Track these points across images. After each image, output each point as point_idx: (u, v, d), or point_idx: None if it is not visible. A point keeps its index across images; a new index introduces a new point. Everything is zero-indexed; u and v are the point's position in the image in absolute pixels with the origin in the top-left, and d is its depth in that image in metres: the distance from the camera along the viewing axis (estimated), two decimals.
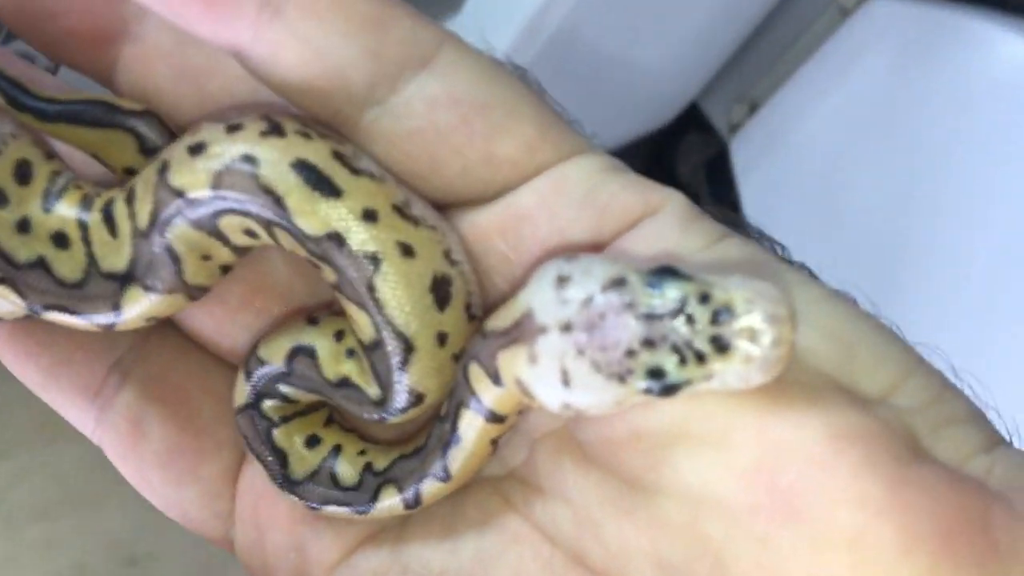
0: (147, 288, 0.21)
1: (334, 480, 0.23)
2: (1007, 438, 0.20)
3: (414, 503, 0.22)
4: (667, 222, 0.20)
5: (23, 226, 0.21)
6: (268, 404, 0.23)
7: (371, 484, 0.22)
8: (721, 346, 0.18)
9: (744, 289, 0.18)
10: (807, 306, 0.19)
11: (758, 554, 0.18)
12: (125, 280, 0.21)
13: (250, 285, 0.23)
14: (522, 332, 0.19)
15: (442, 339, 0.20)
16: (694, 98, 0.82)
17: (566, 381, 0.19)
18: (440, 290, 0.20)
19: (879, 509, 0.17)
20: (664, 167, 0.92)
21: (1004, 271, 0.63)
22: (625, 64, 0.73)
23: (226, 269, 0.21)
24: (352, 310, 0.20)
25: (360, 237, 0.19)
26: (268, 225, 0.20)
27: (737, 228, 0.21)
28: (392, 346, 0.20)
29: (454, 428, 0.21)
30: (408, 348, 0.20)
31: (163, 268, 0.20)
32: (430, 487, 0.22)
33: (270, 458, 0.23)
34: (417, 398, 0.21)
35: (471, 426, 0.21)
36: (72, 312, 0.21)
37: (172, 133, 0.21)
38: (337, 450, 0.23)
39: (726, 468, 0.18)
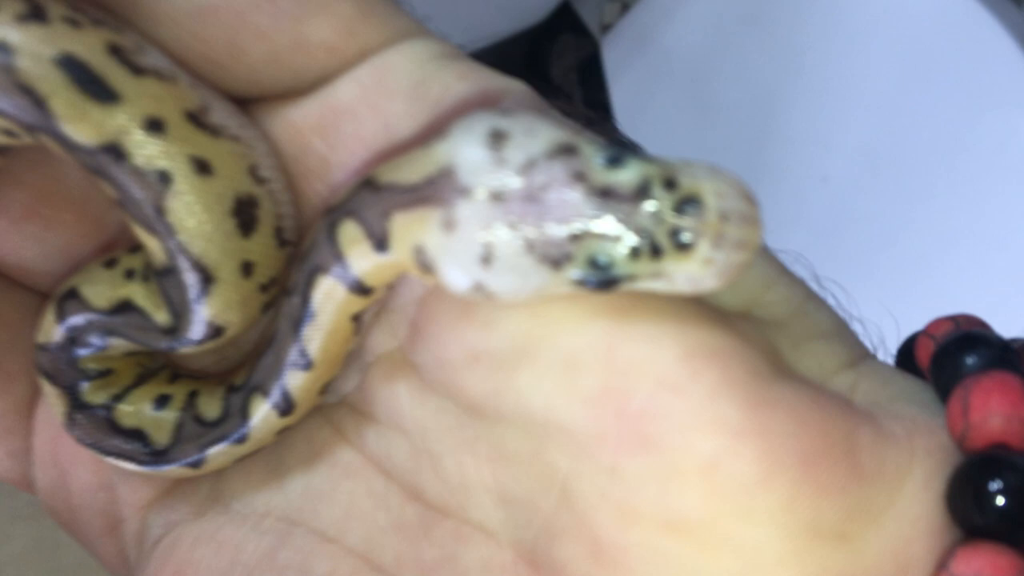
0: None
1: (200, 423, 0.20)
2: (872, 351, 0.19)
3: (286, 405, 0.19)
4: None
5: None
6: (95, 385, 0.20)
7: (237, 405, 0.19)
8: (681, 242, 0.15)
9: (713, 180, 0.15)
10: None
11: (606, 486, 0.16)
12: None
13: (35, 191, 0.20)
14: (435, 191, 0.16)
15: (247, 269, 0.18)
16: None
17: (487, 258, 0.16)
18: (244, 213, 0.17)
19: (737, 433, 0.16)
20: (538, 69, 0.91)
21: (863, 172, 0.66)
22: None
23: None
24: (140, 232, 0.18)
25: (144, 151, 0.16)
26: (30, 128, 0.17)
27: (589, 123, 0.19)
28: (188, 276, 0.17)
29: (305, 301, 0.18)
30: (207, 278, 0.17)
31: None
32: (294, 380, 0.19)
33: (127, 446, 0.20)
34: (216, 331, 0.18)
35: (329, 297, 0.18)
36: None
37: None
38: (193, 395, 0.20)
39: (572, 392, 0.17)
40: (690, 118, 0.74)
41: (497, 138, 0.16)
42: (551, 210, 0.15)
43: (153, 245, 0.17)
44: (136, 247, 0.20)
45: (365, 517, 0.19)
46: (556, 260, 0.15)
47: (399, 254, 0.17)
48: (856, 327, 0.20)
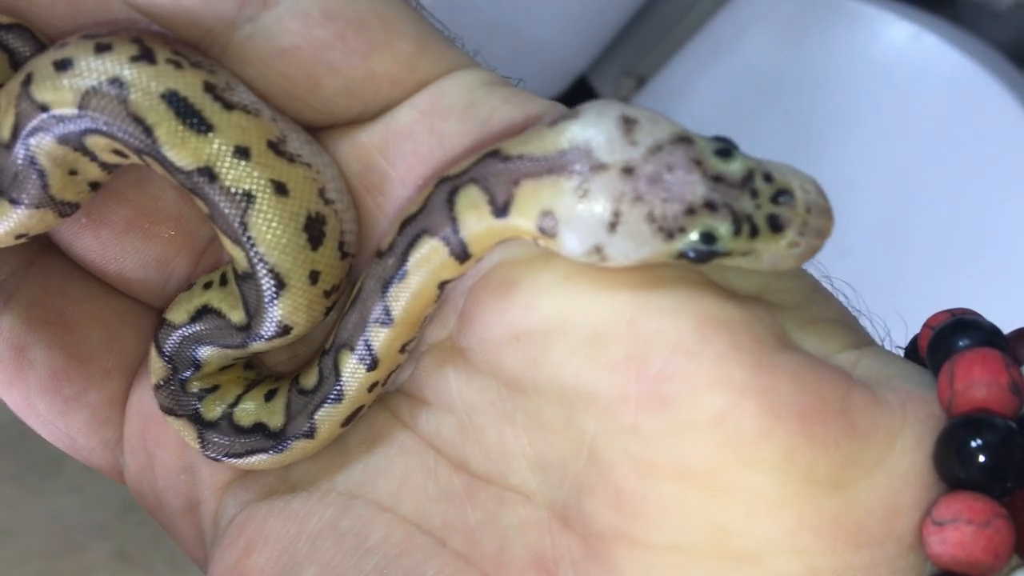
0: (13, 202, 0.20)
1: (303, 393, 0.22)
2: (879, 342, 0.21)
3: (371, 360, 0.20)
4: None
5: None
6: (209, 402, 0.22)
7: (329, 366, 0.21)
8: (776, 226, 0.18)
9: (799, 177, 0.18)
10: None
11: (628, 443, 0.18)
12: None
13: (136, 207, 0.22)
14: (567, 164, 0.18)
15: (314, 277, 0.20)
16: (583, 72, 0.82)
17: (613, 224, 0.18)
18: (314, 229, 0.20)
19: (742, 391, 0.18)
20: None
21: (885, 244, 0.65)
22: (513, 34, 0.73)
23: (95, 186, 0.20)
24: (226, 242, 0.20)
25: (233, 174, 0.19)
26: (137, 151, 0.19)
27: None
28: (264, 281, 0.20)
29: (403, 261, 0.20)
30: (280, 284, 0.20)
31: (27, 181, 0.19)
32: (376, 334, 0.20)
33: (253, 441, 0.22)
34: (284, 329, 0.21)
35: (427, 260, 0.19)
36: None
37: (45, 48, 0.20)
38: (295, 380, 0.22)
39: (598, 361, 0.19)
40: None
41: (628, 122, 0.18)
42: (672, 188, 0.18)
43: (237, 254, 0.20)
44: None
45: (417, 488, 0.21)
46: (671, 232, 0.18)
47: (521, 218, 0.19)
48: (864, 323, 0.21)
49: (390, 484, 0.22)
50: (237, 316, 0.21)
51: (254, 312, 0.20)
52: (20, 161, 0.19)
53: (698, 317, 0.18)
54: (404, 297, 0.20)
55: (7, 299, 0.23)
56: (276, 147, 0.19)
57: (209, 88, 0.19)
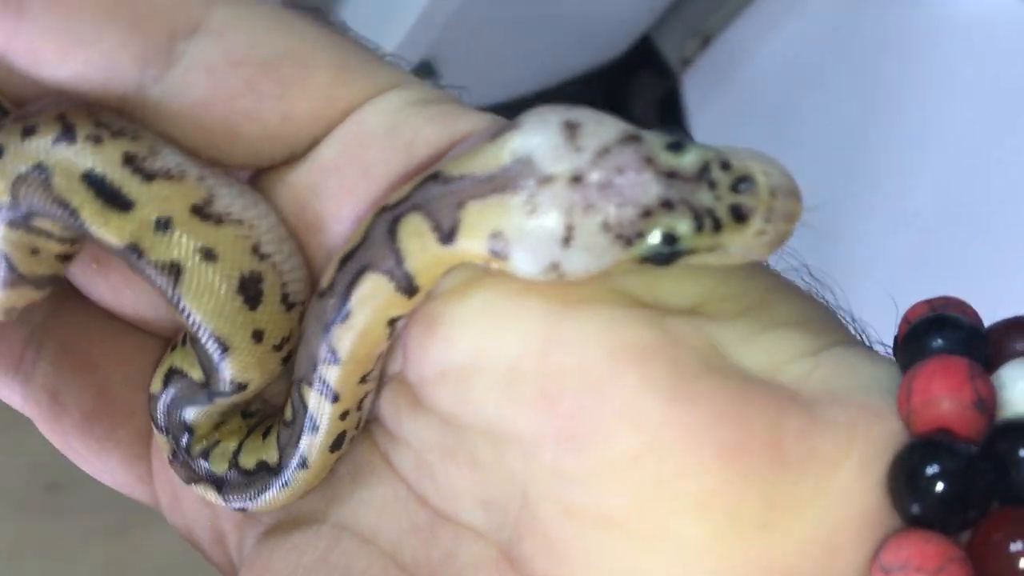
0: None
1: (286, 425, 0.21)
2: (862, 339, 0.20)
3: (332, 395, 0.20)
4: None
5: None
6: (216, 456, 0.22)
7: (297, 398, 0.21)
8: (739, 215, 0.17)
9: (760, 161, 0.17)
10: None
11: (551, 485, 0.18)
12: None
13: None
14: (511, 179, 0.17)
15: (258, 336, 0.20)
16: (646, 31, 0.81)
17: (567, 239, 0.17)
18: (249, 289, 0.19)
19: (656, 428, 0.17)
20: (616, 107, 0.91)
21: (954, 207, 0.64)
22: None
23: (66, 257, 0.21)
24: (172, 309, 0.20)
25: (157, 248, 0.19)
26: (75, 231, 0.19)
27: None
28: (209, 345, 0.20)
29: (344, 300, 0.19)
30: (224, 347, 0.19)
31: None
32: (328, 371, 0.19)
33: (262, 481, 0.22)
34: (240, 386, 0.20)
35: (372, 296, 0.19)
36: None
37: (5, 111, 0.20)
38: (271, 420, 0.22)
39: (515, 398, 0.18)
40: (772, 153, 0.73)
41: (571, 127, 0.17)
42: (624, 191, 0.17)
43: (182, 320, 0.20)
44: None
45: (393, 520, 0.21)
46: (628, 238, 0.17)
47: (469, 242, 0.18)
48: (848, 321, 0.20)
49: (371, 516, 0.21)
50: (197, 375, 0.21)
51: (209, 372, 0.20)
52: None
53: (609, 347, 0.17)
54: (349, 338, 0.19)
55: (39, 347, 0.23)
56: (201, 210, 0.19)
57: (128, 160, 0.19)
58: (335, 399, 0.20)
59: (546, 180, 0.17)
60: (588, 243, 0.17)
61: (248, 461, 0.22)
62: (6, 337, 0.23)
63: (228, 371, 0.20)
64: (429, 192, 0.18)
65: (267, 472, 0.21)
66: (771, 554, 0.16)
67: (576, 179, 0.17)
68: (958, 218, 0.63)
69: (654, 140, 0.17)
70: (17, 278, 0.20)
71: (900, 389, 0.17)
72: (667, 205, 0.17)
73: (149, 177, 0.19)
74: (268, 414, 0.23)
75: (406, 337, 0.20)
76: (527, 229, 0.17)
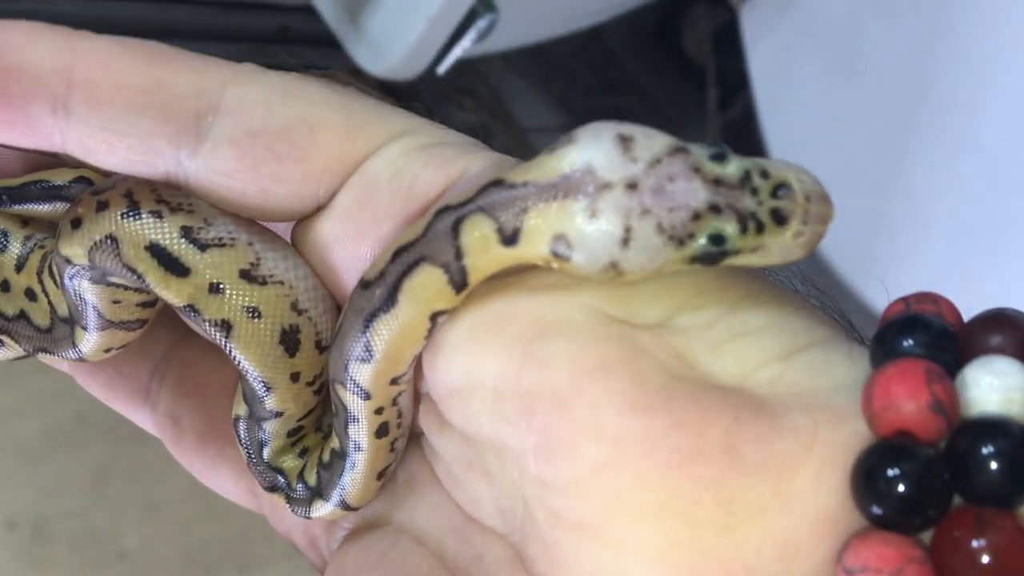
0: (83, 328, 0.23)
1: (334, 415, 0.23)
2: (860, 337, 0.21)
3: (364, 394, 0.21)
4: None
5: (5, 286, 0.25)
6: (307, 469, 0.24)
7: (335, 395, 0.22)
8: (780, 218, 0.18)
9: (793, 169, 0.19)
10: None
11: (539, 494, 0.19)
12: (72, 322, 0.23)
13: None
14: (573, 186, 0.19)
15: (295, 377, 0.23)
16: None
17: (626, 240, 0.19)
18: (289, 340, 0.22)
19: (615, 440, 0.18)
20: (669, 40, 0.90)
21: (1020, 139, 0.62)
22: None
23: (149, 304, 0.23)
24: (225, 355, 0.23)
25: (211, 308, 0.22)
26: (140, 290, 0.22)
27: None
28: (255, 385, 0.23)
29: (394, 290, 0.20)
30: (267, 387, 0.23)
31: (87, 314, 0.23)
32: (358, 371, 0.21)
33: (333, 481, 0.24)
34: (278, 414, 0.23)
35: (424, 287, 0.20)
36: (50, 352, 0.24)
37: None
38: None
39: (501, 416, 0.19)
40: (835, 85, 0.72)
41: (624, 140, 0.19)
42: (676, 197, 0.18)
43: (233, 365, 0.23)
44: None
45: (437, 524, 0.23)
46: (681, 239, 0.18)
47: (531, 245, 0.19)
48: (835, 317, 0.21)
49: (421, 519, 0.23)
50: (241, 409, 0.24)
51: (253, 403, 0.23)
52: (72, 299, 0.23)
53: (574, 366, 0.19)
54: (390, 329, 0.20)
55: (162, 377, 0.26)
56: (249, 274, 0.22)
57: (186, 232, 0.21)
58: (367, 396, 0.21)
59: (605, 187, 0.19)
60: (645, 244, 0.19)
61: (325, 456, 0.24)
62: (135, 371, 0.26)
63: (269, 404, 0.23)
64: (495, 196, 0.19)
65: (340, 458, 0.23)
66: (731, 554, 0.17)
67: (632, 186, 0.19)
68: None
69: (699, 151, 0.19)
70: (106, 323, 0.23)
71: (863, 394, 0.18)
72: (715, 209, 0.18)
73: (204, 247, 0.21)
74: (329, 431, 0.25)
75: (423, 359, 0.21)
76: (589, 232, 0.19)
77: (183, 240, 0.21)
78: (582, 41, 0.82)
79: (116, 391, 0.27)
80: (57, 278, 0.23)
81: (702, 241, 0.18)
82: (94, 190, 0.22)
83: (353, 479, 0.23)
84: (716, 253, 0.19)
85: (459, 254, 0.20)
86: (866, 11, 0.71)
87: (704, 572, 0.17)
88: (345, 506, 0.23)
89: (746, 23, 0.78)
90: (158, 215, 0.21)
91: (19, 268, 0.25)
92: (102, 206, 0.21)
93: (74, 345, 0.24)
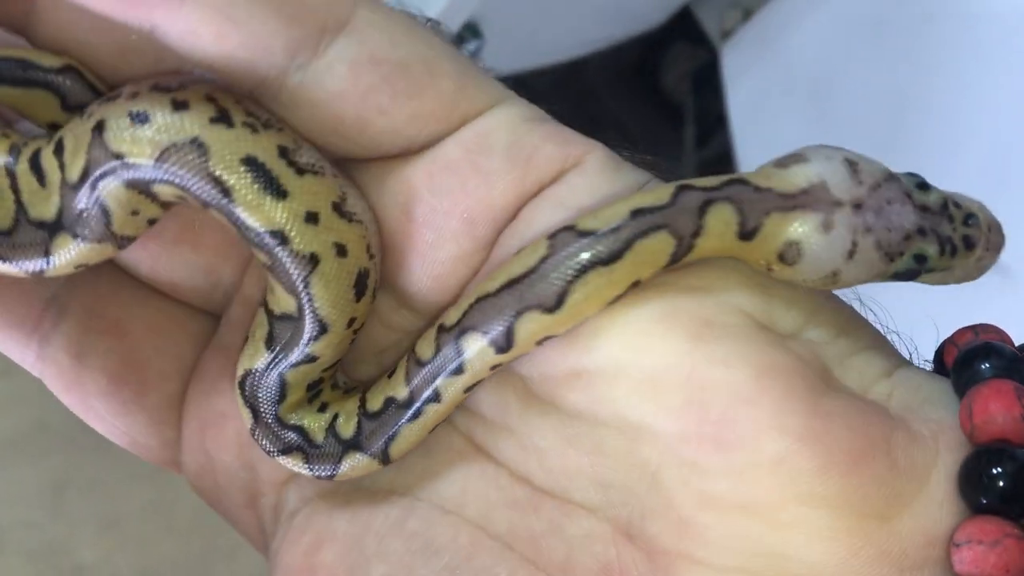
0: (76, 236, 0.21)
1: (420, 362, 0.22)
2: (907, 357, 0.23)
3: (506, 344, 0.21)
4: (593, 173, 0.21)
5: None
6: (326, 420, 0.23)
7: (450, 344, 0.21)
8: (969, 244, 0.21)
9: (975, 202, 0.22)
10: None
11: (689, 476, 0.20)
12: (54, 228, 0.21)
13: (183, 220, 0.23)
14: (811, 200, 0.21)
15: (351, 323, 0.22)
16: (687, 2, 0.80)
17: (851, 253, 0.21)
18: (360, 284, 0.21)
19: (798, 436, 0.20)
20: (648, 76, 0.91)
21: (995, 183, 0.63)
22: None
23: (153, 221, 0.21)
24: (279, 290, 0.21)
25: (303, 238, 0.20)
26: (204, 204, 0.20)
27: (656, 171, 0.23)
28: (309, 327, 0.21)
29: (623, 247, 0.20)
30: (323, 330, 0.21)
31: (92, 220, 0.21)
32: (526, 320, 0.20)
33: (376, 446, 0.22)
34: (312, 359, 0.22)
35: (652, 250, 0.20)
36: (2, 259, 0.21)
37: (94, 88, 0.21)
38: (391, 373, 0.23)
39: (658, 404, 0.20)
40: (811, 127, 0.73)
41: (851, 164, 0.21)
42: (892, 219, 0.21)
43: (287, 301, 0.21)
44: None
45: (479, 494, 0.22)
46: (892, 256, 0.21)
47: (765, 244, 0.21)
48: (894, 338, 0.24)
49: (451, 488, 0.23)
50: (262, 358, 0.22)
51: (285, 347, 0.22)
52: (86, 202, 0.20)
53: (754, 366, 0.20)
54: (598, 284, 0.20)
55: (62, 309, 0.23)
56: (339, 208, 0.21)
57: (283, 152, 0.20)
58: (505, 349, 0.21)
59: (837, 204, 0.21)
60: (865, 258, 0.21)
61: (373, 405, 0.23)
62: (25, 298, 0.23)
63: (311, 348, 0.22)
64: (742, 193, 0.21)
65: (402, 407, 0.22)
66: (888, 542, 0.20)
67: (858, 206, 0.21)
68: (998, 195, 0.63)
69: (907, 179, 0.21)
70: (108, 235, 0.21)
71: (961, 410, 0.21)
72: (921, 232, 0.21)
73: (300, 171, 0.20)
74: (352, 385, 0.24)
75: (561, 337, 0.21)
76: (823, 243, 0.21)
77: (281, 160, 0.20)
78: (563, 74, 0.83)
79: None
80: (67, 174, 0.20)
81: (908, 259, 0.21)
82: (156, 85, 0.20)
83: (411, 430, 0.22)
84: (915, 270, 0.21)
85: (697, 232, 0.20)
86: (842, 56, 0.72)
87: (864, 555, 0.20)
88: (385, 458, 0.22)
89: (727, 63, 0.79)
90: (252, 128, 0.20)
91: None
92: (180, 105, 0.20)
93: (45, 254, 0.21)
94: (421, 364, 0.22)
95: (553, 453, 0.22)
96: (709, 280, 0.21)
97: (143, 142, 0.20)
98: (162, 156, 0.20)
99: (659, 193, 0.21)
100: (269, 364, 0.22)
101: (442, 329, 0.22)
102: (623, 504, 0.21)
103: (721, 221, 0.20)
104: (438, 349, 0.22)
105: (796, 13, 0.74)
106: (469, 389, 0.22)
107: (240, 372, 0.23)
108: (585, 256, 0.20)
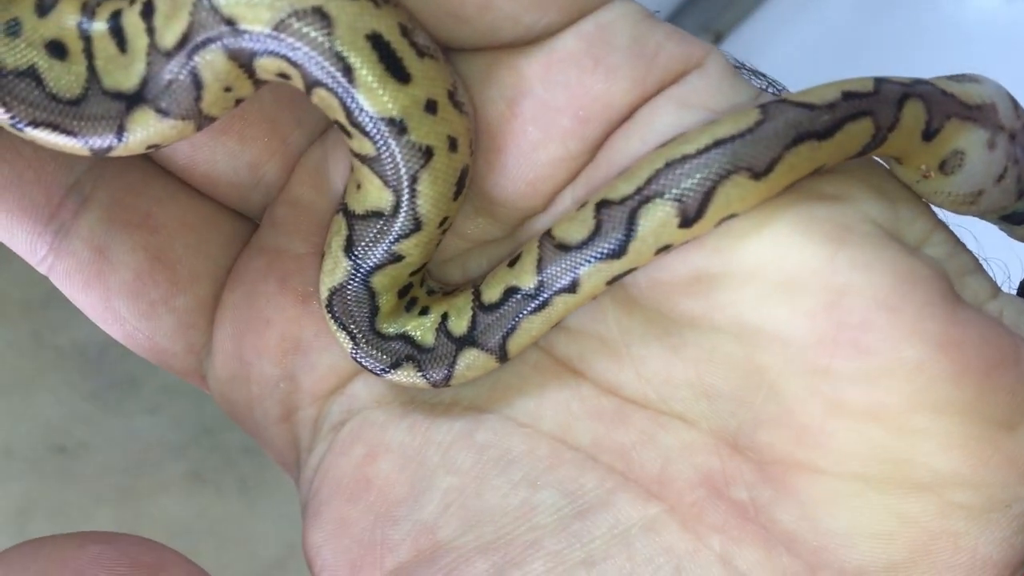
0: (159, 111, 0.19)
1: (562, 246, 0.20)
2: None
3: (695, 214, 0.19)
4: (715, 76, 0.20)
5: (12, 28, 0.19)
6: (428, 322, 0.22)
7: (615, 217, 0.20)
8: None
9: None
10: (851, 164, 0.21)
11: (816, 384, 0.20)
12: (133, 100, 0.19)
13: (235, 110, 0.21)
14: (984, 117, 0.21)
15: (443, 222, 0.20)
16: None
17: (1001, 177, 0.21)
18: (461, 182, 0.20)
19: (938, 344, 0.19)
20: None
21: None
22: None
23: (239, 101, 0.20)
24: (374, 184, 0.19)
25: (422, 128, 0.18)
26: (314, 83, 0.18)
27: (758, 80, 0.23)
28: (402, 223, 0.20)
29: (832, 129, 0.19)
30: (416, 228, 0.20)
31: (183, 92, 0.18)
32: (734, 186, 0.19)
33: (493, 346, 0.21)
34: (399, 258, 0.21)
35: (849, 140, 0.20)
36: (66, 132, 0.19)
37: None
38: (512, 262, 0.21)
39: (791, 307, 0.19)
40: None
41: (1012, 100, 0.22)
42: None
43: (381, 196, 0.20)
44: None
45: (558, 406, 0.22)
46: (1021, 192, 0.22)
47: (941, 148, 0.21)
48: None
49: (527, 401, 0.22)
50: (344, 266, 0.21)
51: (370, 244, 0.20)
52: (180, 72, 0.18)
53: (895, 273, 0.19)
54: (806, 156, 0.19)
55: (85, 198, 0.22)
56: (453, 98, 0.19)
57: (404, 32, 0.18)
58: (690, 221, 0.19)
59: (1002, 129, 0.21)
60: (1007, 187, 0.21)
61: (491, 296, 0.21)
62: (44, 181, 0.21)
63: (399, 247, 0.20)
64: (932, 93, 0.21)
65: (527, 298, 0.21)
66: (1015, 449, 0.20)
67: (1013, 136, 0.21)
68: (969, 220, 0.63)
69: None
70: (194, 112, 0.19)
71: None
72: None
73: (421, 54, 0.18)
74: (450, 289, 0.22)
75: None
76: (984, 159, 0.21)
77: (404, 39, 0.18)
78: None
79: (5, 201, 0.21)
80: (157, 39, 0.18)
81: None
82: None
83: (532, 322, 0.21)
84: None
85: (893, 126, 0.20)
86: (811, 78, 0.72)
87: (993, 463, 0.20)
88: (503, 355, 0.21)
89: None
90: (375, 2, 0.18)
91: (43, 9, 0.19)
92: None
93: (119, 130, 0.19)
94: (565, 248, 0.20)
95: (653, 361, 0.21)
96: (842, 188, 0.20)
97: (260, 7, 0.17)
98: (280, 25, 0.17)
99: (863, 81, 0.20)
100: (352, 273, 0.21)
101: (605, 204, 0.20)
102: (731, 415, 0.21)
103: (913, 117, 0.20)
104: (598, 227, 0.20)
105: (767, 35, 0.75)
106: (614, 280, 0.20)
107: (325, 293, 0.21)
108: (805, 126, 0.19)
